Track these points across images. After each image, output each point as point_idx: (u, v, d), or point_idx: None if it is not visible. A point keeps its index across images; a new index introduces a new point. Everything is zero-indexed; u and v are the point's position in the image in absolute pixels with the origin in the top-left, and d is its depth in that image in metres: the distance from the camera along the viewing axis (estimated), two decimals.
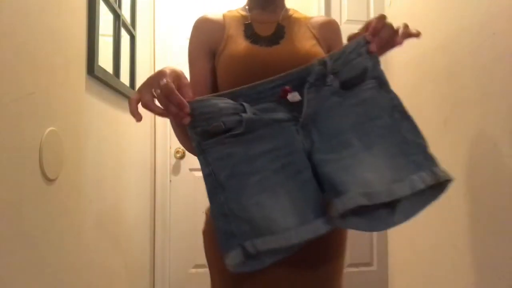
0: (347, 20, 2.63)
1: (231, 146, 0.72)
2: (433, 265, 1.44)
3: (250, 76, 0.82)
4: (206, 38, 0.95)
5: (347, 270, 2.61)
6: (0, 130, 0.74)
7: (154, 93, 0.68)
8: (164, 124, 2.43)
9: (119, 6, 1.61)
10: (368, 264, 2.61)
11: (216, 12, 1.01)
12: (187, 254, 2.43)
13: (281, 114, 0.74)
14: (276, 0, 1.00)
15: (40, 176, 0.89)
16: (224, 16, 1.00)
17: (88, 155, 1.23)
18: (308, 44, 0.93)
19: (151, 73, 2.41)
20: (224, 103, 0.72)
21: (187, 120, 0.70)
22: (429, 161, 0.70)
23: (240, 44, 0.92)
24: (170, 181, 2.45)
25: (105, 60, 1.38)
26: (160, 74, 0.68)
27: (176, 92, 0.67)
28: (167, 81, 0.66)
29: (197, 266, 2.44)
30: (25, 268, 0.83)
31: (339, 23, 1.02)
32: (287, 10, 1.02)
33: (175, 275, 2.43)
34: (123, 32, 1.70)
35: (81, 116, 1.16)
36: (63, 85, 1.03)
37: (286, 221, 0.68)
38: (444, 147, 1.34)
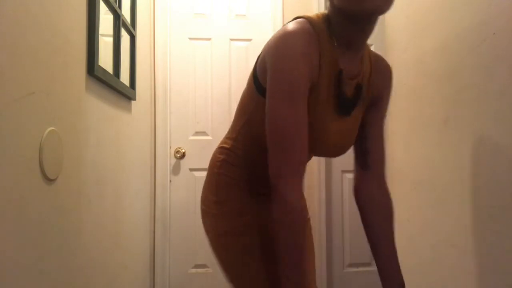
0: None
1: None
2: (433, 265, 1.44)
3: (316, 139, 0.96)
4: (309, 72, 0.89)
5: (347, 270, 2.62)
6: (0, 130, 0.74)
7: None
8: (164, 124, 2.43)
9: (119, 6, 1.61)
10: (368, 264, 2.61)
11: (308, 27, 0.90)
12: (187, 254, 2.44)
13: None
14: (361, 46, 0.95)
15: (40, 176, 0.89)
16: (319, 39, 0.91)
17: (88, 155, 1.23)
18: (357, 125, 1.04)
19: (151, 73, 2.41)
20: None
21: None
22: None
23: (326, 112, 0.96)
24: (170, 181, 2.45)
25: (105, 60, 1.38)
26: None
27: None
28: None
29: (197, 266, 2.44)
30: (25, 268, 0.83)
31: None
32: (363, 55, 0.99)
33: (175, 275, 2.43)
34: (123, 32, 1.70)
35: (81, 116, 1.16)
36: (63, 85, 1.03)
37: None
38: (444, 147, 1.34)
